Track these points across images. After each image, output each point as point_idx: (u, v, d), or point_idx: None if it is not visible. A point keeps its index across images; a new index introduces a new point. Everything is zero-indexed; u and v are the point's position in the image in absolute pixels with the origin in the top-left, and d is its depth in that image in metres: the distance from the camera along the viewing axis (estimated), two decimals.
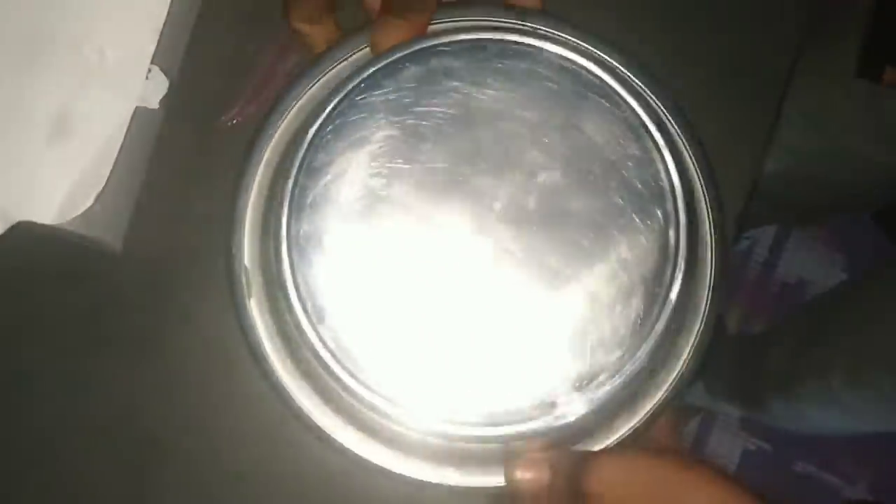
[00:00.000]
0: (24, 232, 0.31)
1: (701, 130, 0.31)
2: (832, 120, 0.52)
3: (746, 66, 0.37)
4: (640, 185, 0.26)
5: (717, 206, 0.29)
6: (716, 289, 0.28)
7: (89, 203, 0.30)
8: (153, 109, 0.33)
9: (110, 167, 0.31)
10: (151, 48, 0.32)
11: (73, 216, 0.30)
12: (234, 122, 0.38)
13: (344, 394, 0.26)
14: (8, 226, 0.30)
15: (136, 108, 0.32)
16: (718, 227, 0.29)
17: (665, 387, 0.28)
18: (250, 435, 0.35)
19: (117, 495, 0.34)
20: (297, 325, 0.25)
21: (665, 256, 0.25)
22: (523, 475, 0.26)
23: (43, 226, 0.31)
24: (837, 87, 0.50)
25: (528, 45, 0.27)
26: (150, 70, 0.32)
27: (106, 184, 0.31)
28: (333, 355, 0.25)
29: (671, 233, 0.26)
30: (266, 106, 0.36)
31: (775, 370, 0.67)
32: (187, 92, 0.36)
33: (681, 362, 0.28)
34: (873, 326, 0.56)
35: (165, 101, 0.37)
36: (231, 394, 0.35)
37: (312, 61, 0.31)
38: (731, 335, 0.88)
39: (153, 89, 0.32)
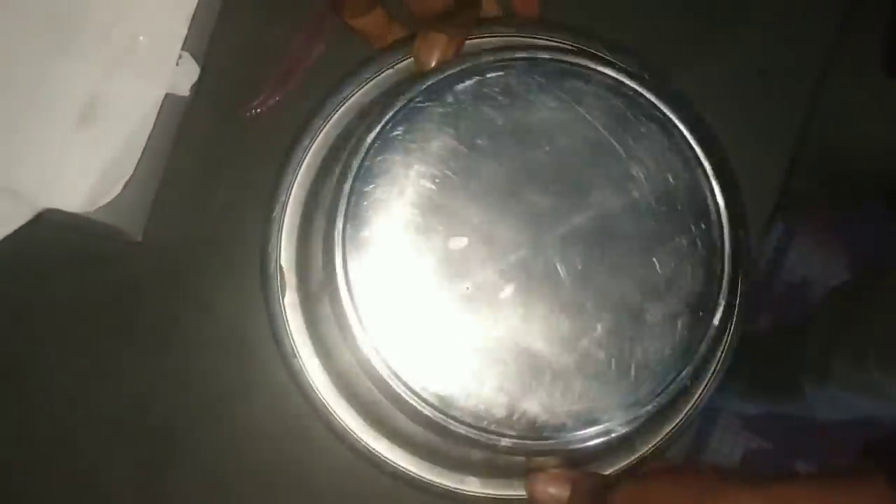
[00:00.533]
0: (46, 218, 0.30)
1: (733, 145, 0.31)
2: (864, 112, 0.53)
3: (774, 79, 0.38)
4: (689, 212, 0.27)
5: (747, 235, 0.31)
6: (742, 308, 0.29)
7: (117, 191, 0.30)
8: (179, 99, 0.32)
9: (139, 155, 0.30)
10: (183, 34, 0.31)
11: (101, 205, 0.30)
12: (258, 111, 0.37)
13: (386, 402, 0.26)
14: (34, 213, 0.29)
15: (166, 95, 0.31)
16: (748, 251, 0.30)
17: (690, 404, 0.29)
18: (267, 428, 0.36)
19: (132, 485, 0.34)
20: (344, 331, 0.26)
21: (710, 282, 0.26)
22: (545, 490, 0.27)
23: (66, 213, 0.30)
24: (869, 82, 0.51)
25: (582, 66, 0.27)
26: (180, 56, 0.31)
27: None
28: (382, 362, 0.25)
29: (716, 261, 0.26)
30: (289, 94, 0.36)
31: (811, 360, 0.68)
32: (211, 79, 0.36)
33: (707, 380, 0.29)
34: None
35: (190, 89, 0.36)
36: (248, 385, 0.35)
37: (357, 64, 0.30)
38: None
39: (184, 76, 0.31)
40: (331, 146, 0.30)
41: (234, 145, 0.37)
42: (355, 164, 0.26)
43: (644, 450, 0.29)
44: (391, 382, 0.25)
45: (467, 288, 0.26)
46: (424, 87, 0.27)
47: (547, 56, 0.27)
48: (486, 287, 0.26)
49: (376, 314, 0.26)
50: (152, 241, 0.36)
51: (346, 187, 0.26)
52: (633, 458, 0.29)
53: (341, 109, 0.30)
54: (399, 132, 0.26)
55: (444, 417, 0.25)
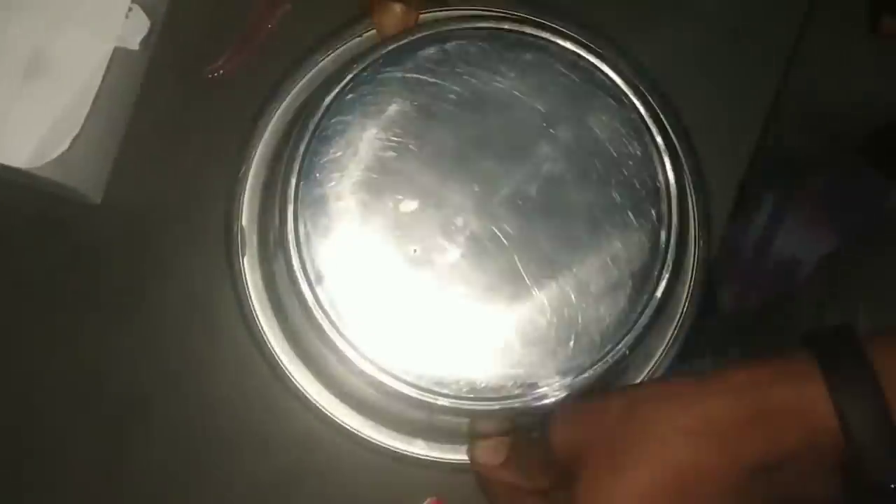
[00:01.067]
0: (1, 181, 0.30)
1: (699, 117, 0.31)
2: (846, 67, 0.51)
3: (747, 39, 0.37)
4: (637, 184, 0.27)
5: (705, 209, 0.30)
6: (696, 289, 0.29)
7: (64, 147, 0.29)
8: (136, 57, 0.32)
9: (87, 109, 0.30)
10: None
11: (48, 160, 0.29)
12: (220, 73, 0.36)
13: (330, 356, 0.26)
14: None
15: (117, 51, 0.30)
16: (704, 229, 0.30)
17: (638, 379, 0.30)
18: (234, 395, 0.35)
19: (96, 453, 0.34)
20: (295, 286, 0.25)
21: (654, 255, 0.27)
22: (483, 456, 0.27)
23: (16, 171, 0.29)
24: (851, 37, 0.50)
25: (543, 39, 0.28)
26: (130, 9, 0.30)
27: (83, 130, 0.29)
28: (325, 317, 0.25)
29: (663, 233, 0.27)
30: (253, 55, 0.35)
31: (799, 328, 0.67)
32: (173, 40, 0.35)
33: (655, 358, 0.30)
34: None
35: (149, 48, 0.35)
36: (212, 350, 0.35)
37: (327, 34, 0.30)
38: (728, 312, 0.90)
39: (133, 29, 0.31)
40: (296, 110, 0.30)
41: (197, 107, 0.36)
42: (311, 125, 0.27)
43: None
44: (335, 339, 0.25)
45: (415, 250, 0.26)
46: (385, 51, 0.27)
47: (508, 27, 0.27)
48: (433, 250, 0.26)
49: (325, 272, 0.26)
50: (113, 204, 0.35)
51: (302, 147, 0.27)
52: None
53: (310, 74, 0.31)
54: (356, 95, 0.27)
55: (383, 375, 0.26)
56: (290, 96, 0.31)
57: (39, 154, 0.29)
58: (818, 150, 0.66)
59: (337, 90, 0.27)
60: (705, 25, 0.36)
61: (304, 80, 0.31)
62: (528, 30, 0.28)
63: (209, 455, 0.35)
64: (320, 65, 0.31)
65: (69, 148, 0.30)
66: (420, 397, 0.26)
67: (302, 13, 0.36)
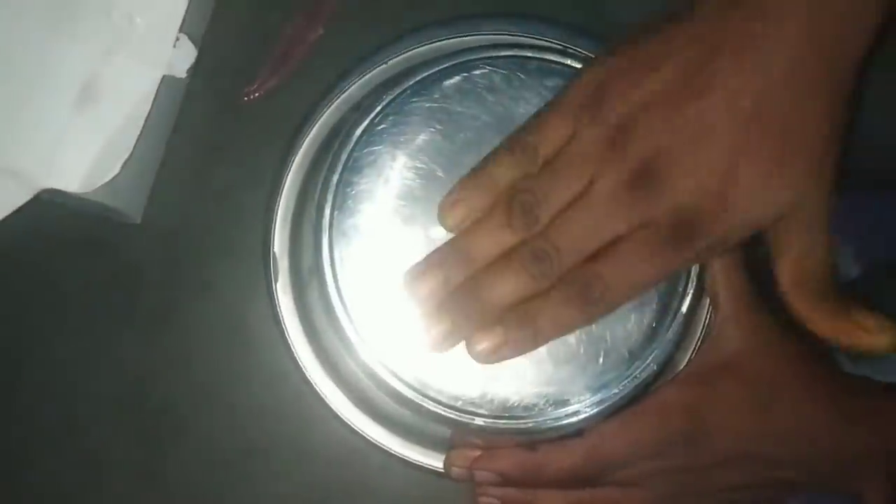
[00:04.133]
0: (45, 201, 0.31)
1: None
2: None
3: None
4: None
5: None
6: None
7: (115, 171, 0.31)
8: (176, 80, 0.33)
9: (137, 135, 0.31)
10: (180, 16, 0.31)
11: (99, 185, 0.30)
12: (255, 95, 0.37)
13: (365, 379, 0.27)
14: (33, 193, 0.30)
15: (164, 78, 0.31)
16: None
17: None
18: (267, 409, 0.36)
19: (134, 467, 0.35)
20: (329, 313, 0.26)
21: (679, 271, 0.27)
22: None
23: (65, 194, 0.30)
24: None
25: (568, 66, 0.28)
26: (178, 38, 0.31)
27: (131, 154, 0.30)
28: (360, 341, 0.26)
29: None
30: (287, 79, 0.36)
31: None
32: (208, 63, 0.36)
33: (680, 367, 0.30)
34: None
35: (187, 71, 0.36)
36: (249, 367, 0.36)
37: (352, 63, 0.31)
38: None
39: (181, 58, 0.32)
40: (326, 136, 0.31)
41: (233, 129, 0.38)
42: (344, 155, 0.28)
43: None
44: (372, 365, 0.26)
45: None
46: (412, 82, 0.28)
47: (531, 55, 0.28)
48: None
49: (360, 300, 0.27)
50: (152, 224, 0.36)
51: (335, 178, 0.28)
52: None
53: (335, 104, 0.32)
54: (386, 125, 0.28)
55: (421, 398, 0.27)
56: (318, 124, 0.32)
57: (91, 179, 0.31)
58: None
59: (367, 121, 0.28)
60: None
61: (333, 106, 0.32)
62: (550, 57, 0.28)
63: (243, 467, 0.36)
64: (350, 90, 0.32)
65: (119, 172, 0.31)
66: (456, 418, 0.27)
67: (334, 37, 0.37)
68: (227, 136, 0.37)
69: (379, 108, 0.28)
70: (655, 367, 0.27)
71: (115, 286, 0.36)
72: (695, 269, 0.28)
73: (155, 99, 0.31)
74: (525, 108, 0.28)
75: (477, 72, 0.28)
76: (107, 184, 0.31)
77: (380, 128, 0.28)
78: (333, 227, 0.27)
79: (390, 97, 0.28)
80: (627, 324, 0.27)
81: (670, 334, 0.27)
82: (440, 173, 0.27)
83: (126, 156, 0.31)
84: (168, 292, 0.36)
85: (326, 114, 0.32)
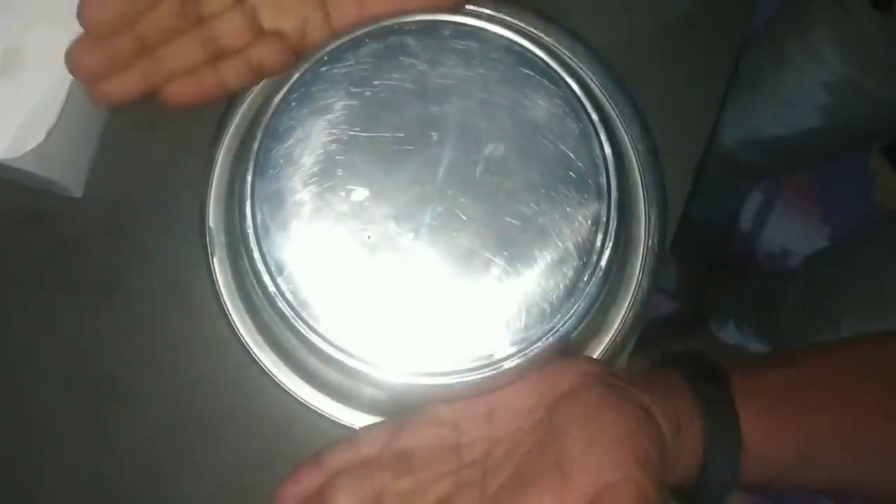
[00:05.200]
0: None
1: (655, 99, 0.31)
2: (843, 54, 0.51)
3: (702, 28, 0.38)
4: (577, 160, 0.29)
5: (656, 182, 0.31)
6: (649, 261, 0.30)
7: (41, 138, 0.31)
8: None
9: (61, 102, 0.31)
10: None
11: (24, 151, 0.30)
12: None
13: (297, 343, 0.27)
14: None
15: None
16: (656, 204, 0.31)
17: (598, 352, 0.31)
18: (209, 378, 0.37)
19: (76, 435, 0.36)
20: (258, 278, 0.27)
21: (597, 227, 0.28)
22: None
23: (2, 167, 0.30)
24: (850, 20, 0.50)
25: (480, 28, 0.29)
26: None
27: (60, 124, 0.31)
28: (289, 306, 0.26)
29: (603, 205, 0.28)
30: None
31: (788, 320, 0.68)
32: None
33: (613, 329, 0.30)
34: (885, 271, 0.57)
35: None
36: (190, 337, 0.36)
37: None
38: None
39: None
40: (255, 109, 0.31)
41: None
42: (264, 123, 0.28)
43: None
44: (299, 327, 0.26)
45: (369, 237, 0.27)
46: (330, 49, 0.28)
47: (447, 18, 0.29)
48: (386, 235, 0.28)
49: (285, 264, 0.27)
50: (93, 198, 0.37)
51: (255, 145, 0.28)
52: None
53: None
54: (304, 92, 0.29)
55: (346, 357, 0.26)
56: (248, 99, 0.32)
57: (16, 146, 0.31)
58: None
59: (285, 90, 0.28)
60: (661, 13, 0.37)
61: (263, 81, 0.32)
62: (465, 20, 0.29)
63: (186, 435, 0.36)
64: None
65: (46, 140, 0.31)
66: (383, 378, 0.27)
67: None
68: (164, 110, 0.37)
69: (297, 75, 0.28)
70: (576, 324, 0.28)
71: (58, 259, 0.37)
72: (611, 225, 0.28)
73: None
74: (441, 69, 0.28)
75: (392, 37, 0.28)
76: (38, 154, 0.31)
77: (297, 95, 0.28)
78: (255, 193, 0.28)
79: (306, 65, 0.28)
80: (549, 280, 0.27)
81: (590, 288, 0.27)
82: (360, 137, 0.28)
83: (51, 123, 0.31)
84: (110, 265, 0.37)
85: (256, 89, 0.32)
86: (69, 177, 0.35)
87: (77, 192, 0.36)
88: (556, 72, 0.28)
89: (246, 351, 0.33)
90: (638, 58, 0.36)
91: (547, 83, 0.28)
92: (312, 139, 0.28)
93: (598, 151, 0.28)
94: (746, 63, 0.58)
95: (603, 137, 0.28)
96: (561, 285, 0.27)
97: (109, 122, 0.37)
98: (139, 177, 0.37)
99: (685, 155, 0.37)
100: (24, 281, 0.37)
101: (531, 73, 0.28)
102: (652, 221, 0.31)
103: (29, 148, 0.31)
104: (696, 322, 0.88)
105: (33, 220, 0.37)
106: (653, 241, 0.31)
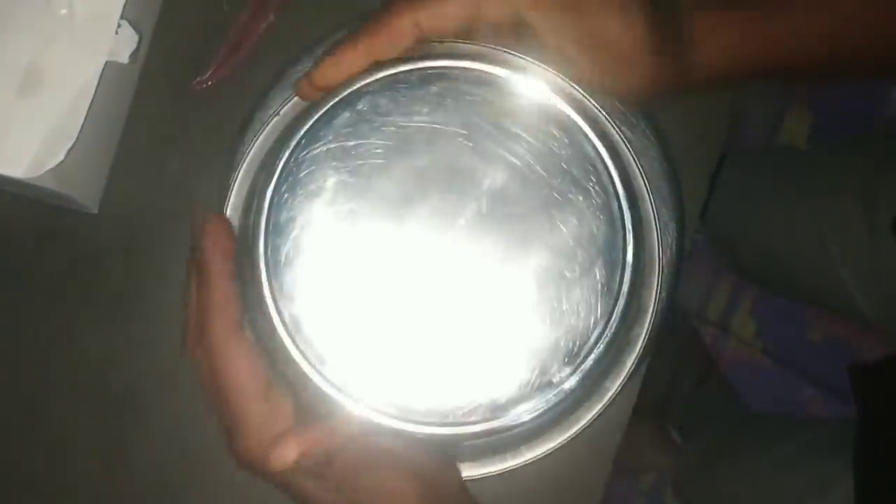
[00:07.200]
0: (3, 193, 0.31)
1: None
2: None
3: None
4: (574, 170, 0.28)
5: (667, 173, 0.31)
6: (666, 251, 0.30)
7: (61, 157, 0.31)
8: (127, 70, 0.33)
9: (81, 121, 0.32)
10: (120, 4, 0.31)
11: (45, 170, 0.30)
12: (208, 83, 0.37)
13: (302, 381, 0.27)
14: None
15: (109, 65, 0.32)
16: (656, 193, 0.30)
17: (640, 341, 0.31)
18: None
19: (95, 452, 0.35)
20: (263, 310, 0.26)
21: (613, 225, 0.28)
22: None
23: (17, 182, 0.30)
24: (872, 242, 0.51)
25: (443, 67, 0.28)
26: (119, 25, 0.31)
27: (78, 140, 0.31)
28: (290, 342, 0.27)
29: (614, 203, 0.28)
30: (240, 68, 0.36)
31: None
32: (162, 53, 0.36)
33: (648, 316, 0.31)
34: None
35: (139, 62, 0.36)
36: None
37: (310, 44, 0.32)
38: None
39: (123, 44, 0.32)
40: (276, 138, 0.31)
41: (187, 118, 0.38)
42: (263, 219, 0.28)
43: (613, 390, 0.31)
44: (304, 368, 0.27)
45: (391, 297, 0.27)
46: (304, 131, 0.28)
47: (408, 67, 0.28)
48: (407, 292, 0.28)
49: (297, 304, 0.27)
50: (109, 213, 0.37)
51: (261, 243, 0.27)
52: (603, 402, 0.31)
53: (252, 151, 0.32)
54: (293, 179, 0.28)
55: (365, 408, 0.27)
56: (275, 106, 0.32)
57: (37, 165, 0.31)
58: None
59: (274, 182, 0.28)
60: None
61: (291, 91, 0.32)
62: (425, 64, 0.28)
63: (206, 453, 0.36)
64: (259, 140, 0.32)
65: (65, 158, 0.31)
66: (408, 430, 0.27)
67: (286, 24, 0.37)
68: (181, 124, 0.37)
69: (281, 164, 0.28)
70: (621, 323, 0.27)
71: (75, 274, 0.37)
72: (627, 219, 0.27)
73: (102, 86, 0.32)
74: (418, 118, 0.28)
75: (360, 101, 0.28)
76: (57, 171, 0.31)
77: (286, 184, 0.27)
78: (274, 288, 0.27)
79: (287, 152, 0.28)
80: (581, 289, 0.27)
81: (624, 287, 0.27)
82: (360, 207, 0.28)
83: (71, 142, 0.31)
84: (127, 280, 0.37)
85: (282, 97, 0.32)
86: (86, 193, 0.35)
87: (93, 208, 0.36)
88: (535, 91, 0.27)
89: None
90: None
91: (526, 104, 0.27)
92: (315, 223, 0.27)
93: (593, 154, 0.27)
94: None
95: (598, 143, 0.27)
96: (595, 290, 0.27)
97: (125, 137, 0.37)
98: (155, 191, 0.37)
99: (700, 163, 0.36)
100: (41, 297, 0.36)
101: (509, 97, 0.27)
102: (658, 214, 0.31)
103: (49, 167, 0.31)
104: None
105: (50, 236, 0.37)
106: (664, 235, 0.31)
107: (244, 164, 0.32)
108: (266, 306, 0.27)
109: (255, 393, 0.27)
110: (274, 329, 0.27)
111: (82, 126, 0.31)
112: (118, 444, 0.36)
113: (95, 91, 0.31)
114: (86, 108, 0.31)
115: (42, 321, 0.37)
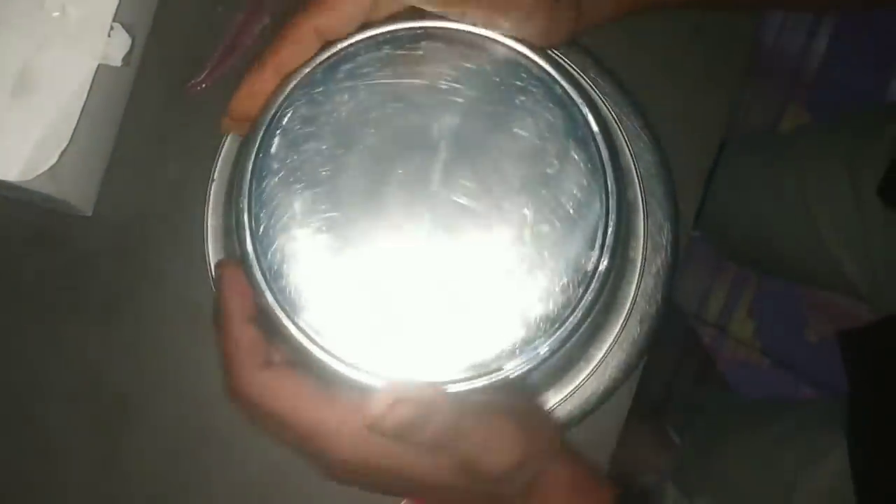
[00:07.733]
0: None
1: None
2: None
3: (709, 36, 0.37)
4: (568, 142, 0.27)
5: (660, 163, 0.31)
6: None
7: (54, 160, 0.31)
8: (121, 73, 0.33)
9: (74, 124, 0.31)
10: (113, 6, 0.31)
11: (38, 173, 0.30)
12: (203, 86, 0.37)
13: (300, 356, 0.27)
14: None
15: (103, 69, 0.31)
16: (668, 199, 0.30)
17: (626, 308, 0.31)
18: (222, 397, 0.36)
19: (89, 455, 0.35)
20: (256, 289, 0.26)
21: (596, 193, 0.27)
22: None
23: (9, 185, 0.30)
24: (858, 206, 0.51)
25: (442, 28, 0.28)
26: (112, 28, 0.31)
27: (72, 143, 0.30)
28: (284, 317, 0.26)
29: (591, 145, 0.27)
30: (234, 70, 0.36)
31: None
32: (157, 56, 0.36)
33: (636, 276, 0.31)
34: None
35: (134, 65, 0.36)
36: (201, 356, 0.35)
37: None
38: None
39: (116, 47, 0.32)
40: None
41: (182, 121, 0.37)
42: (245, 188, 0.27)
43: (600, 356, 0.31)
44: (302, 341, 0.25)
45: (368, 257, 0.27)
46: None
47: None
48: (383, 253, 0.27)
49: (283, 275, 0.27)
50: (103, 216, 0.36)
51: (245, 217, 0.27)
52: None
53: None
54: (292, 117, 0.27)
55: (354, 372, 0.27)
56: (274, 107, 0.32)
57: (30, 168, 0.31)
58: None
59: (265, 126, 0.27)
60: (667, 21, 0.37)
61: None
62: (425, 24, 0.28)
63: (198, 454, 0.35)
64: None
65: (59, 161, 0.31)
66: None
67: (281, 26, 0.37)
68: (176, 127, 0.37)
69: (261, 133, 0.27)
70: (602, 282, 0.27)
71: (68, 278, 0.36)
72: (612, 189, 0.27)
73: (96, 89, 0.32)
74: (343, 108, 0.27)
75: (285, 120, 0.27)
76: (49, 174, 0.31)
77: (271, 151, 0.27)
78: (255, 240, 0.27)
79: (273, 109, 0.27)
80: (555, 269, 0.26)
81: (608, 240, 0.26)
82: (344, 160, 0.27)
83: (64, 145, 0.31)
84: (119, 283, 0.37)
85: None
86: (79, 196, 0.35)
87: (87, 211, 0.36)
88: (521, 55, 0.27)
89: None
90: (643, 66, 0.35)
91: (520, 70, 0.27)
92: (303, 168, 0.27)
93: (579, 117, 0.27)
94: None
95: (591, 118, 0.27)
96: (581, 249, 0.26)
97: (120, 139, 0.37)
98: (149, 195, 0.37)
99: (694, 164, 0.36)
100: (33, 300, 0.36)
101: (503, 63, 0.27)
102: (646, 220, 0.30)
103: (42, 170, 0.31)
104: None
105: (42, 240, 0.36)
106: (666, 251, 0.31)
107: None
108: (259, 285, 0.26)
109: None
110: (268, 305, 0.26)
111: (76, 129, 0.31)
112: (111, 447, 0.36)
113: (88, 94, 0.31)
114: (78, 111, 0.31)
115: (33, 325, 0.36)
